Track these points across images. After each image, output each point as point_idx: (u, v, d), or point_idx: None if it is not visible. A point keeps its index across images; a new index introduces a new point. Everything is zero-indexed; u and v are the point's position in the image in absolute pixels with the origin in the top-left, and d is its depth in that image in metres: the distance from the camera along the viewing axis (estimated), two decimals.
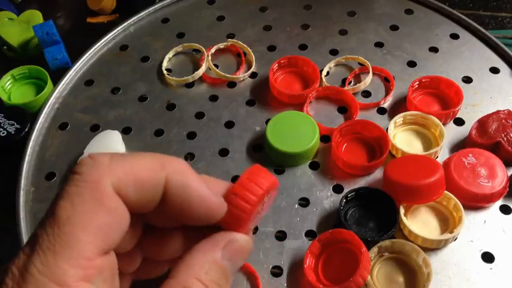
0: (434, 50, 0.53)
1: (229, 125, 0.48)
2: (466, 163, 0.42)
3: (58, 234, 0.21)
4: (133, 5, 0.61)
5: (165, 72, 0.52)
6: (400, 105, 0.48)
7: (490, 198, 0.41)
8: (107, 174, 0.22)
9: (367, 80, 0.49)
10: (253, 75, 0.52)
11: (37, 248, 0.21)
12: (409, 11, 0.57)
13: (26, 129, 0.49)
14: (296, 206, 0.42)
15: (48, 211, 0.22)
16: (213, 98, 0.51)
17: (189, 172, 0.25)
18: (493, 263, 0.39)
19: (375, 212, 0.41)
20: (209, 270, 0.24)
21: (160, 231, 0.29)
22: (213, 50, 0.53)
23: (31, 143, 0.48)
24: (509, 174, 0.42)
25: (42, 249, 0.21)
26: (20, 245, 0.42)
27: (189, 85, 0.52)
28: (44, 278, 0.20)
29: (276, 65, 0.50)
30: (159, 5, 0.59)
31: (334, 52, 0.53)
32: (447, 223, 0.41)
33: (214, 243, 0.25)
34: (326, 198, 0.43)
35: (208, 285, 0.24)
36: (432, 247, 0.39)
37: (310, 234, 0.41)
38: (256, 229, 0.41)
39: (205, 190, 0.25)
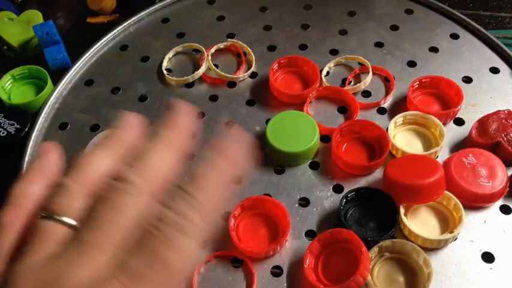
0: (434, 50, 0.53)
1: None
2: (466, 163, 0.42)
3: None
4: (133, 5, 0.61)
5: (165, 72, 0.52)
6: (400, 105, 0.48)
7: (490, 198, 0.41)
8: (145, 189, 0.24)
9: (367, 80, 0.49)
10: (253, 75, 0.52)
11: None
12: (409, 11, 0.57)
13: (26, 129, 0.49)
14: (296, 205, 0.42)
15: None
16: (213, 98, 0.51)
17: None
18: (493, 263, 0.39)
19: (375, 212, 0.41)
20: None
21: None
22: (213, 50, 0.53)
23: (31, 143, 0.48)
24: (509, 174, 0.42)
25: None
26: None
27: (189, 85, 0.52)
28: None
29: (276, 65, 0.50)
30: (159, 5, 0.59)
31: (334, 52, 0.53)
32: (447, 223, 0.40)
33: None
34: (326, 198, 0.43)
35: None
36: (432, 247, 0.39)
37: (310, 234, 0.41)
38: None
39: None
